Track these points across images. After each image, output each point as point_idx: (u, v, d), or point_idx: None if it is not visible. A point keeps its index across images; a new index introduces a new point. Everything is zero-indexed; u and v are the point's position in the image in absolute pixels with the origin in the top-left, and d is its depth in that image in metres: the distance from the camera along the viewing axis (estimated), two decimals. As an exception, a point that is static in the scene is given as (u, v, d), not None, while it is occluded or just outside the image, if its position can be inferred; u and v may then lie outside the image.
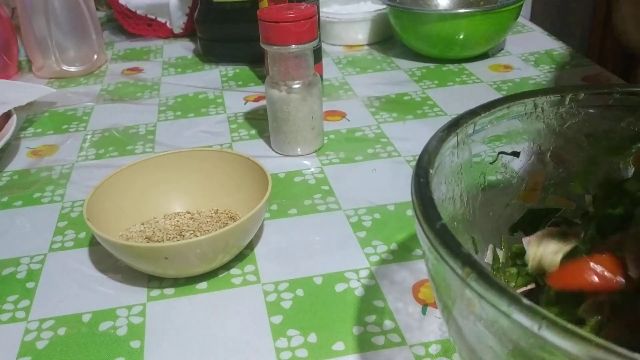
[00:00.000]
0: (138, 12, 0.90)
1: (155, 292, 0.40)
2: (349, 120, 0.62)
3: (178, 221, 0.46)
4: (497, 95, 0.66)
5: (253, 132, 0.61)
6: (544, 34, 0.85)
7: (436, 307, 0.37)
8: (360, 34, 0.84)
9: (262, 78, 0.74)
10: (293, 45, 0.51)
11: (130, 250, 0.39)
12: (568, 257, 0.29)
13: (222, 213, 0.46)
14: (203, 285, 0.41)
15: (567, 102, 0.33)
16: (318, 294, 0.39)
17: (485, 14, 0.72)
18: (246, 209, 0.43)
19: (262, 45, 0.52)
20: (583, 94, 0.33)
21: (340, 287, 0.39)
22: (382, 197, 0.49)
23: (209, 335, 0.36)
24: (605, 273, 0.25)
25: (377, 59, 0.79)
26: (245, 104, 0.68)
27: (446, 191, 0.30)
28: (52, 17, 0.76)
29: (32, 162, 0.58)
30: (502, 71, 0.73)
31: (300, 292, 0.39)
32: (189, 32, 0.91)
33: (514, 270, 0.33)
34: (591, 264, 0.25)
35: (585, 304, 0.26)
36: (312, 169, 0.54)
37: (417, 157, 0.49)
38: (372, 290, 0.39)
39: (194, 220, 0.46)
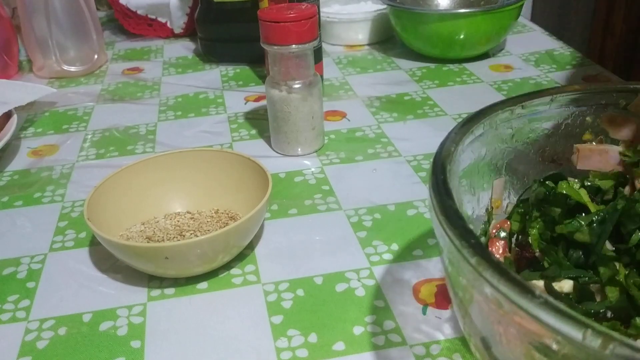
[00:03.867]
0: (138, 12, 0.90)
1: (156, 292, 0.40)
2: (349, 120, 0.62)
3: (178, 221, 0.46)
4: (498, 95, 0.66)
5: (253, 132, 0.61)
6: (544, 34, 0.85)
7: (436, 307, 0.37)
8: (361, 34, 0.84)
9: (262, 78, 0.74)
10: (293, 45, 0.51)
11: (131, 250, 0.39)
12: None
13: (222, 213, 0.46)
14: (203, 285, 0.41)
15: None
16: (318, 294, 0.39)
17: (485, 14, 0.72)
18: (246, 209, 0.43)
19: (263, 45, 0.52)
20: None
21: (340, 287, 0.39)
22: (383, 197, 0.49)
23: (209, 335, 0.36)
24: None
25: (378, 59, 0.79)
26: (245, 104, 0.68)
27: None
28: (52, 17, 0.76)
29: (33, 162, 0.58)
30: (503, 71, 0.73)
31: (300, 292, 0.39)
32: (189, 32, 0.91)
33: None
34: None
35: None
36: (313, 169, 0.54)
37: (417, 157, 0.50)
38: (373, 290, 0.39)
39: (194, 220, 0.46)
